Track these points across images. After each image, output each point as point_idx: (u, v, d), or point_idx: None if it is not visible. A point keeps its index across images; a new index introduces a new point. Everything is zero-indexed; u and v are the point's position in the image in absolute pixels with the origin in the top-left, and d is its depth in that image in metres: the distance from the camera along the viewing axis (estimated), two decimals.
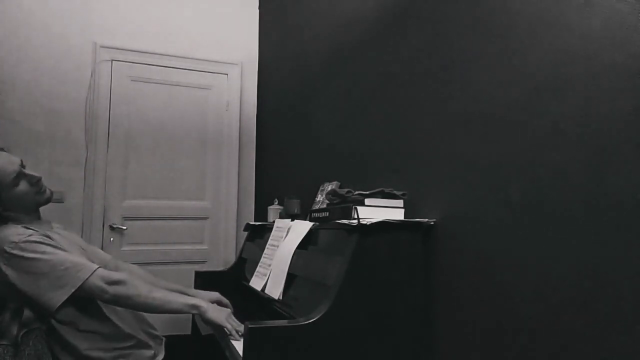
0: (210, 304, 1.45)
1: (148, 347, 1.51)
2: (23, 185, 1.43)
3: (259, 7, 3.62)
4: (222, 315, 1.41)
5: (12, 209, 1.43)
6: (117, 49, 3.20)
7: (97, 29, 3.17)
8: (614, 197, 0.89)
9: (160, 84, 3.30)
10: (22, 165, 1.45)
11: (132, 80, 3.24)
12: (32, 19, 3.02)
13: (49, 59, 3.04)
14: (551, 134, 1.02)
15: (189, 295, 1.72)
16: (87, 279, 1.32)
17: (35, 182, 1.47)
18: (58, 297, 1.29)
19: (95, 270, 1.34)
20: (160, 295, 1.41)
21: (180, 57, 3.35)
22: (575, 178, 0.96)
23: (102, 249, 3.01)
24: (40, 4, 3.04)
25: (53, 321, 1.36)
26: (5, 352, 1.34)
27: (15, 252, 1.30)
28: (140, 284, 1.40)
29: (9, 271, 1.31)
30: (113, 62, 3.19)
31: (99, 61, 3.14)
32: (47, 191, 1.54)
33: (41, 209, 1.56)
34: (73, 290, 1.30)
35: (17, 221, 1.42)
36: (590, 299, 0.92)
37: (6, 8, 2.97)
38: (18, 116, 2.94)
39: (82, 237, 2.92)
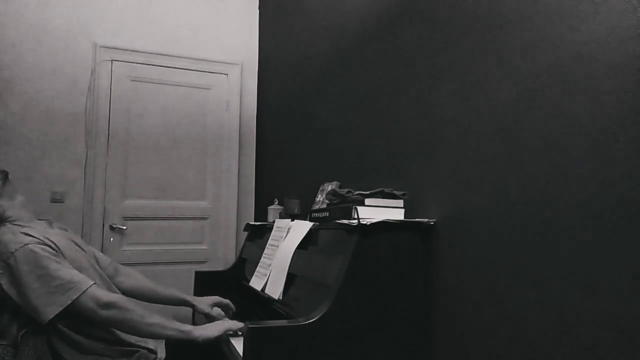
0: (200, 327, 1.42)
1: (151, 350, 1.51)
2: (7, 190, 1.47)
3: (259, 7, 3.62)
4: (215, 328, 1.40)
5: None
6: (117, 49, 3.20)
7: (97, 29, 3.17)
8: (615, 197, 0.89)
9: (160, 84, 3.30)
10: None
11: (132, 80, 3.24)
12: (32, 19, 3.02)
13: (49, 59, 3.04)
14: (551, 133, 1.02)
15: (187, 300, 1.73)
16: (76, 298, 1.30)
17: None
18: (47, 314, 1.28)
19: (86, 290, 1.32)
20: (153, 320, 1.37)
21: (180, 57, 3.35)
22: (576, 178, 0.96)
23: (102, 248, 3.01)
24: (40, 4, 3.04)
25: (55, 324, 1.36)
26: (5, 352, 1.34)
27: (10, 262, 1.29)
28: (134, 307, 1.37)
29: (3, 280, 1.31)
30: (113, 62, 3.19)
31: (99, 61, 3.14)
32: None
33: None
34: (61, 308, 1.29)
35: (17, 221, 1.42)
36: (590, 297, 0.92)
37: (6, 8, 2.97)
38: (18, 116, 2.94)
39: (82, 237, 2.92)
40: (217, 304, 1.70)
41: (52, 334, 1.36)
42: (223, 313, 1.69)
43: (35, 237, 1.35)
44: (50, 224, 1.55)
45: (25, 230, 1.37)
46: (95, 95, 3.11)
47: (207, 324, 1.45)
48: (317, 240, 1.51)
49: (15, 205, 1.47)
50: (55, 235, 1.45)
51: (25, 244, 1.32)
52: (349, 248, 1.27)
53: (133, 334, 1.44)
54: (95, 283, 1.36)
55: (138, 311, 1.37)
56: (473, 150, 1.25)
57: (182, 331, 1.38)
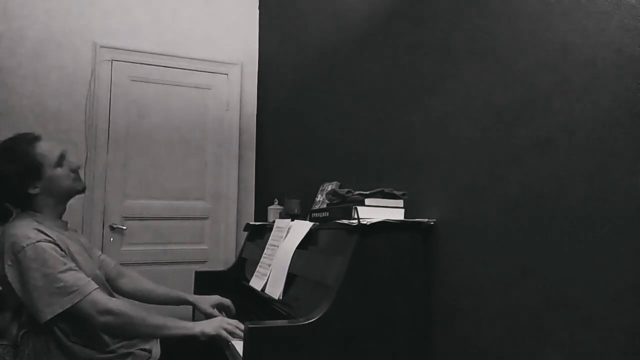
0: (201, 323, 1.43)
1: (145, 349, 1.51)
2: (64, 169, 1.50)
3: (259, 7, 3.62)
4: (215, 324, 1.40)
5: (48, 192, 1.45)
6: (117, 49, 3.20)
7: (97, 29, 3.16)
8: (614, 197, 0.89)
9: (160, 84, 3.30)
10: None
11: (132, 80, 3.23)
12: (32, 19, 3.01)
13: (49, 59, 3.04)
14: (551, 134, 1.02)
15: (189, 299, 1.74)
16: (76, 302, 1.30)
17: (75, 168, 1.55)
18: (45, 314, 1.28)
19: (88, 295, 1.32)
20: (153, 322, 1.38)
21: (180, 57, 3.35)
22: (575, 179, 0.96)
23: (102, 249, 3.01)
24: (41, 4, 3.04)
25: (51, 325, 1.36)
26: (5, 352, 1.34)
27: (19, 256, 1.30)
28: (133, 312, 1.36)
29: (10, 272, 1.31)
30: (113, 62, 3.19)
31: (99, 61, 3.14)
32: (84, 182, 1.62)
33: None
34: (61, 310, 1.29)
35: (38, 214, 1.42)
36: (589, 297, 0.92)
37: (6, 8, 2.97)
38: (18, 116, 2.94)
39: None
40: (218, 304, 1.70)
41: (49, 336, 1.36)
42: (224, 314, 1.70)
43: (48, 236, 1.35)
44: (65, 224, 1.55)
45: (39, 227, 1.37)
46: (95, 95, 3.11)
47: (207, 320, 1.46)
48: (317, 240, 1.51)
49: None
50: (68, 238, 1.45)
51: (37, 241, 1.32)
52: (349, 248, 1.27)
53: (134, 338, 1.44)
54: (98, 288, 1.36)
55: (137, 315, 1.37)
56: (473, 150, 1.25)
57: (183, 328, 1.39)
